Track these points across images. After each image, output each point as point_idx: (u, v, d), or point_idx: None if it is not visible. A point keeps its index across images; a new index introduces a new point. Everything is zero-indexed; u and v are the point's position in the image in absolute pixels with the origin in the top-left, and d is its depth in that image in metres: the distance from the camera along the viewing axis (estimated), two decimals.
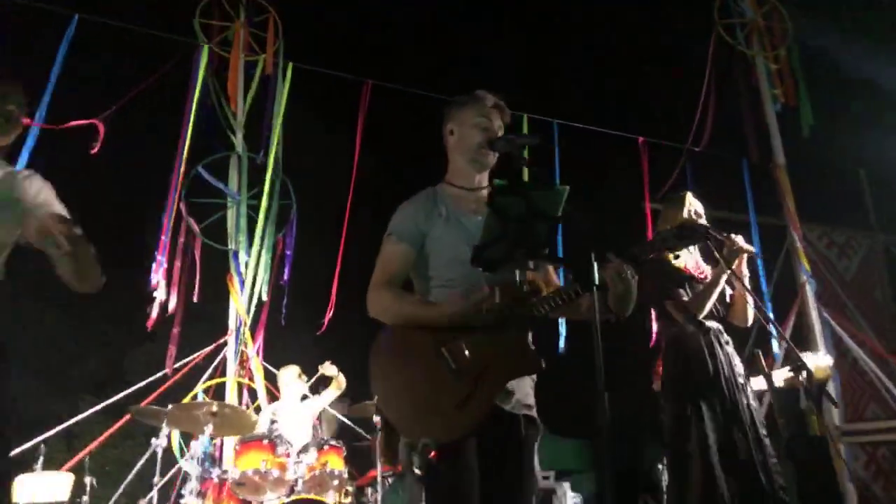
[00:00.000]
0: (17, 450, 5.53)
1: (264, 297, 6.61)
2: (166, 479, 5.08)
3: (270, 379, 6.32)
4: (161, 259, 5.06)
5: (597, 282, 1.91)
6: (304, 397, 5.86)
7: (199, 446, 5.02)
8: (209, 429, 4.55)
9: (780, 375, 3.98)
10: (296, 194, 6.98)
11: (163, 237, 5.13)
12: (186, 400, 6.15)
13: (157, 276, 5.03)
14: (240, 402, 6.35)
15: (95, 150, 4.84)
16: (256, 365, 6.40)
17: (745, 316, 3.48)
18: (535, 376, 2.38)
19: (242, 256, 6.61)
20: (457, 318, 2.18)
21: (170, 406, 4.66)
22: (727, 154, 7.42)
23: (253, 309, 6.53)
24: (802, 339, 6.79)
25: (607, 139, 6.89)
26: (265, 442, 4.67)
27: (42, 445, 5.32)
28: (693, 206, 3.60)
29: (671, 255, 3.50)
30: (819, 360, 4.00)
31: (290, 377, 5.72)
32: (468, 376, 2.14)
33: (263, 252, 6.72)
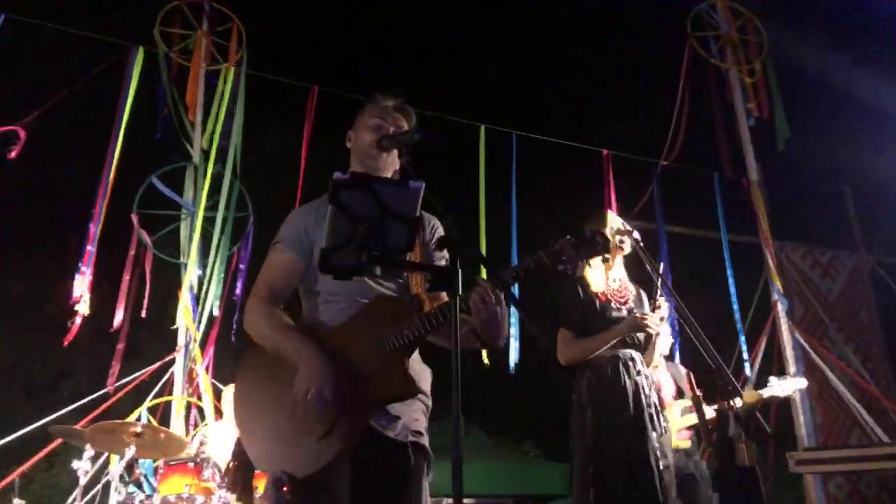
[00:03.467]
0: None
1: (216, 313, 6.37)
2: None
3: (220, 397, 6.07)
4: (85, 270, 4.82)
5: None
6: None
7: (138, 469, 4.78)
8: (131, 450, 4.28)
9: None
10: (253, 206, 6.77)
11: (88, 247, 4.88)
12: (130, 419, 5.92)
13: (81, 288, 4.78)
14: (187, 421, 6.10)
15: (13, 155, 4.63)
16: (205, 382, 6.14)
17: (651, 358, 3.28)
18: (429, 402, 2.15)
19: (195, 270, 6.38)
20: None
21: (91, 426, 4.40)
22: (699, 169, 7.21)
23: (203, 324, 6.29)
24: (774, 360, 6.54)
25: (574, 153, 6.68)
26: (191, 465, 4.39)
27: None
28: (614, 225, 3.38)
29: (588, 278, 3.29)
30: (792, 384, 3.77)
31: None
32: (334, 403, 1.90)
33: (217, 265, 6.49)
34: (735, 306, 6.61)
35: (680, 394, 4.08)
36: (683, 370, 4.17)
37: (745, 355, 6.40)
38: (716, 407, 3.04)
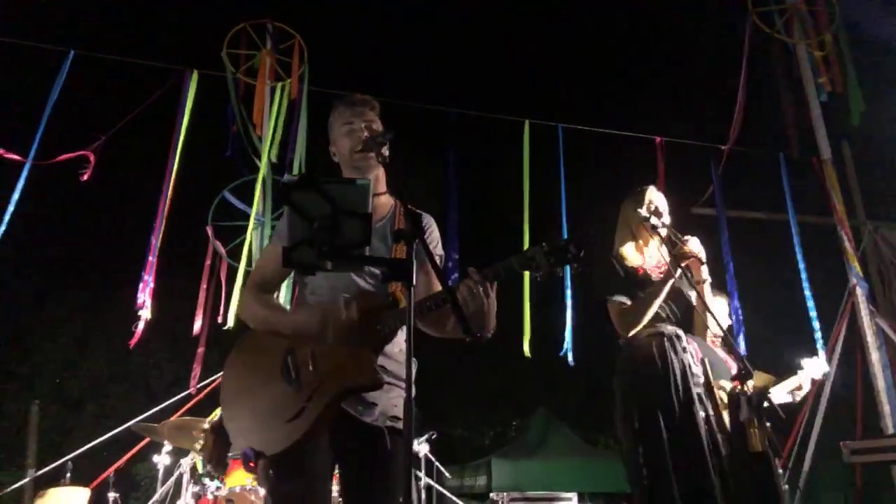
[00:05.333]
0: (48, 467, 5.88)
1: None
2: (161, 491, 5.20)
3: None
4: (147, 279, 5.24)
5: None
6: None
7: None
8: (200, 444, 4.62)
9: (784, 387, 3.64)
10: None
11: (150, 258, 5.31)
12: (211, 418, 6.36)
13: (144, 296, 5.20)
14: None
15: (86, 177, 5.09)
16: None
17: (703, 328, 3.15)
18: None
19: None
20: (305, 330, 2.11)
21: (163, 422, 4.78)
22: (764, 151, 6.90)
23: None
24: (856, 346, 6.17)
25: (628, 142, 6.55)
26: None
27: (69, 463, 5.62)
28: (654, 202, 3.31)
29: (624, 253, 3.26)
30: (816, 366, 3.63)
31: None
32: (306, 389, 2.05)
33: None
34: (807, 291, 6.29)
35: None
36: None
37: (819, 343, 6.07)
38: (728, 390, 2.95)
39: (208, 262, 6.74)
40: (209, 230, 6.77)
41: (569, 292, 6.16)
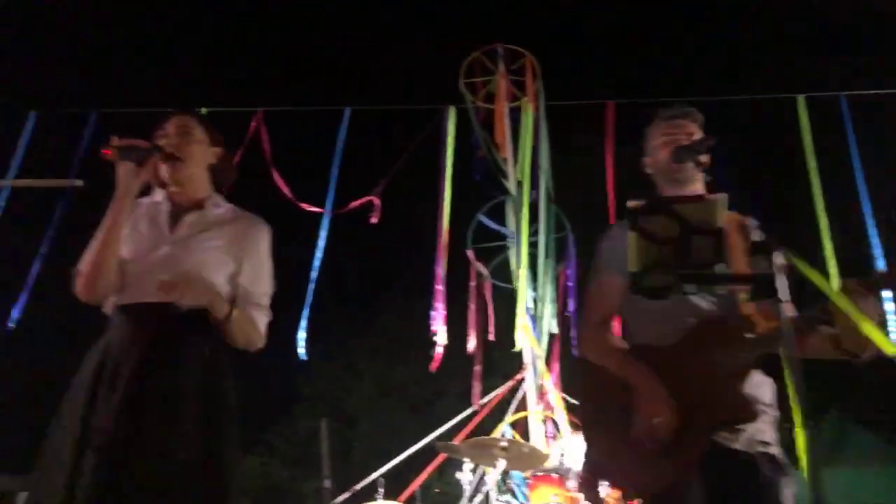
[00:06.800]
0: (362, 483, 6.48)
1: (554, 330, 6.75)
2: None
3: (572, 409, 6.40)
4: (439, 307, 5.55)
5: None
6: None
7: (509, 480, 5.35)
8: (501, 464, 4.79)
9: None
10: (571, 224, 7.08)
11: (437, 287, 5.62)
12: (494, 434, 6.58)
13: (437, 324, 5.51)
14: (546, 435, 6.55)
15: (374, 219, 5.57)
16: (556, 397, 6.52)
17: None
18: (773, 412, 2.09)
19: (529, 292, 6.86)
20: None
21: (466, 442, 5.04)
22: None
23: (546, 342, 6.71)
24: None
25: None
26: (555, 476, 4.75)
27: (381, 479, 6.15)
28: None
29: None
30: None
31: None
32: (673, 423, 1.97)
33: (547, 285, 6.89)
34: None
35: None
36: None
37: None
38: None
39: (472, 283, 7.03)
40: (469, 253, 7.07)
41: None
